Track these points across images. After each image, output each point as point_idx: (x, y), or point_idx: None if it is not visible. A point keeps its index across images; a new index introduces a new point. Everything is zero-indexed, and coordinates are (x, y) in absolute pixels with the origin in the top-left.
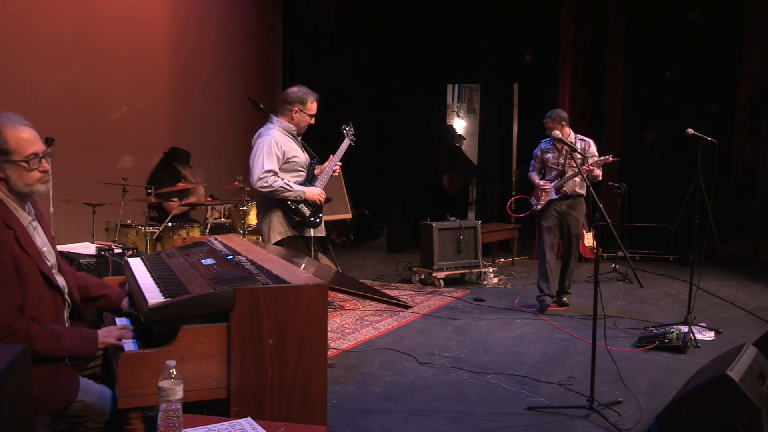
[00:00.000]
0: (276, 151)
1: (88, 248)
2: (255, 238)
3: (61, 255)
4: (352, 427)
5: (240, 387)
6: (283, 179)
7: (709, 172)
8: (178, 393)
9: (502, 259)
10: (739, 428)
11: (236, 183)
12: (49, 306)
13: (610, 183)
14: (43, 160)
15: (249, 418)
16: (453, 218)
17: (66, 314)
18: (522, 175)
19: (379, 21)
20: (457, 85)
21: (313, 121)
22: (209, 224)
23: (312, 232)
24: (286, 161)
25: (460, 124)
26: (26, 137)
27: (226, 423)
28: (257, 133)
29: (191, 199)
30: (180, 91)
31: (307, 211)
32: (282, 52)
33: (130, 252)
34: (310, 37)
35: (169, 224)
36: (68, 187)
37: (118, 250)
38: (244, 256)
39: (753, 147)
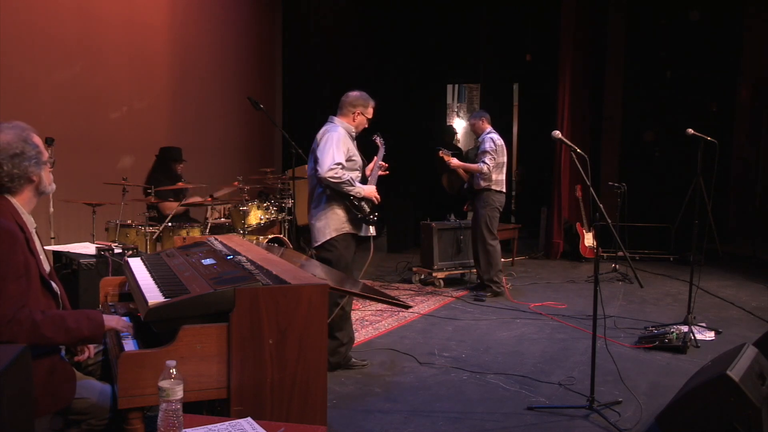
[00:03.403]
0: (343, 147)
1: (88, 248)
2: (255, 238)
3: (61, 255)
4: (352, 427)
5: (240, 387)
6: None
7: (709, 172)
8: (178, 393)
9: (502, 259)
10: (739, 428)
11: (236, 183)
12: (44, 308)
13: (610, 183)
14: None
15: (249, 418)
16: (453, 218)
17: None
18: (522, 174)
19: (379, 21)
20: (457, 85)
21: (367, 125)
22: (209, 224)
23: (372, 230)
24: (348, 159)
25: (460, 124)
26: (41, 142)
27: (226, 423)
28: (322, 130)
29: (190, 200)
30: (180, 91)
31: (367, 208)
32: (282, 52)
33: (130, 252)
34: (309, 37)
35: (169, 224)
36: (68, 187)
37: (118, 250)
38: (244, 256)
39: (753, 147)
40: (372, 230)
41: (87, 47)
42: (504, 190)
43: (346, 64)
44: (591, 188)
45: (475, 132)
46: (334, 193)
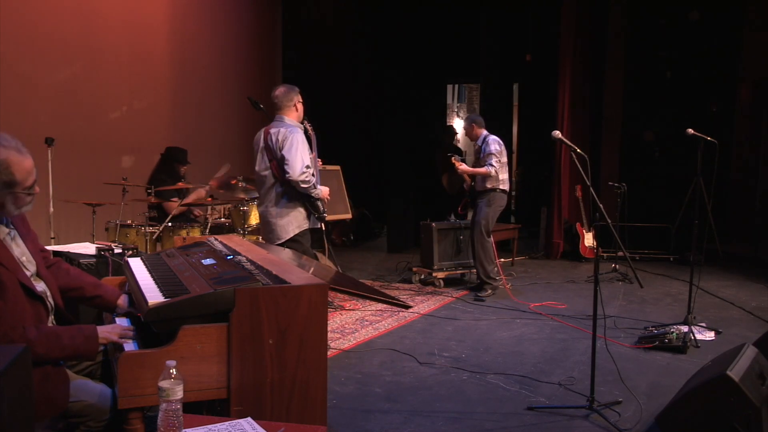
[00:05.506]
0: (306, 148)
1: (88, 248)
2: (255, 238)
3: (61, 255)
4: (352, 427)
5: (240, 387)
6: None
7: (709, 172)
8: (178, 393)
9: (502, 259)
10: (739, 428)
11: (234, 182)
12: (30, 315)
13: (610, 183)
14: (35, 184)
15: (249, 418)
16: (453, 218)
17: (50, 320)
18: (522, 174)
19: (379, 21)
20: (457, 85)
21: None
22: (209, 224)
23: (321, 225)
24: None
25: (460, 124)
26: (29, 167)
27: (226, 423)
28: (282, 131)
29: (190, 198)
30: (180, 91)
31: (321, 207)
32: (282, 52)
33: (130, 252)
34: (309, 37)
35: (169, 224)
36: (68, 187)
37: (118, 250)
38: (244, 256)
39: (753, 147)
40: (321, 225)
41: (87, 47)
42: (508, 189)
43: (346, 64)
44: (591, 188)
45: (470, 137)
46: (295, 192)
